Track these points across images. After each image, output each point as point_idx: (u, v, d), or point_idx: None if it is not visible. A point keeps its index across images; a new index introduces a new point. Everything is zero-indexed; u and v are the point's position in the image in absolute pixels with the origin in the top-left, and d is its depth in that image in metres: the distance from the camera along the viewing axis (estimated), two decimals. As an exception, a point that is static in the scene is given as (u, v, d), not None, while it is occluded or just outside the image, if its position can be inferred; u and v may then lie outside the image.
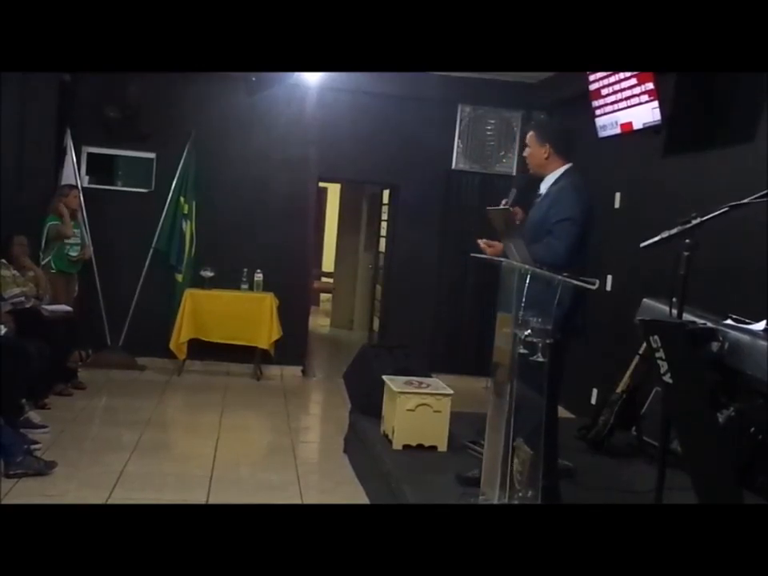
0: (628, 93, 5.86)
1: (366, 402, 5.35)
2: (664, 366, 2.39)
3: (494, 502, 3.63)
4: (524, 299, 3.48)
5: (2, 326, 5.55)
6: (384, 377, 5.03)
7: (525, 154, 4.07)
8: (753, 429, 4.03)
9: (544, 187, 3.95)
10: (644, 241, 3.02)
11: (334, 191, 12.97)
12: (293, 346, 8.22)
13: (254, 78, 7.70)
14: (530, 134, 4.01)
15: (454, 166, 8.40)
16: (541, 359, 3.50)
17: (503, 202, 3.94)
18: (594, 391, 6.57)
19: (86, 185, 7.84)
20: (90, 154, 7.96)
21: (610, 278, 6.34)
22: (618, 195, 6.46)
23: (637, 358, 5.01)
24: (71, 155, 7.63)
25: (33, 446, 4.96)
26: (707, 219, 2.68)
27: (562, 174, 3.89)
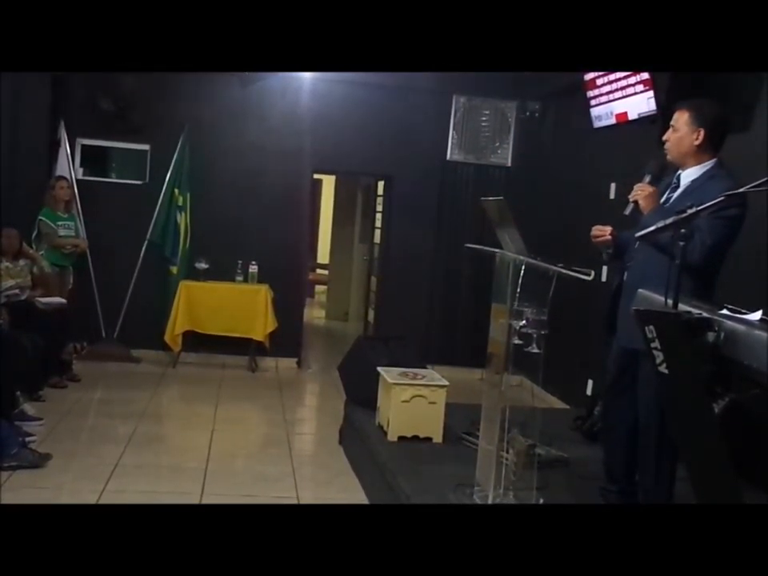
0: (623, 83, 5.86)
1: (362, 394, 5.35)
2: (659, 357, 2.38)
3: (488, 494, 3.63)
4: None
5: (-2, 319, 5.54)
6: (379, 368, 5.02)
7: (666, 137, 3.52)
8: (749, 419, 4.04)
9: (686, 180, 3.49)
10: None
11: (328, 183, 12.95)
12: (288, 337, 8.20)
13: (247, 70, 7.68)
14: (682, 113, 3.46)
15: (448, 157, 8.38)
16: (535, 350, 3.50)
17: (645, 179, 3.54)
18: (590, 382, 6.58)
19: (79, 177, 7.82)
20: (83, 146, 7.94)
21: (605, 268, 6.34)
22: (613, 186, 6.45)
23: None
24: (65, 147, 7.60)
25: (27, 439, 4.95)
26: (703, 209, 2.67)
27: (712, 167, 3.43)
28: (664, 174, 3.64)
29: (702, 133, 3.40)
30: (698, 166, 3.46)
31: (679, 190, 3.51)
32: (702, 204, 2.81)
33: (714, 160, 3.45)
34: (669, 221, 2.69)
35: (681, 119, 3.47)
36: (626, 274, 3.68)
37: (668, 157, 3.57)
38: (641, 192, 3.49)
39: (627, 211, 3.56)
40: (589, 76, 6.33)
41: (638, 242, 3.49)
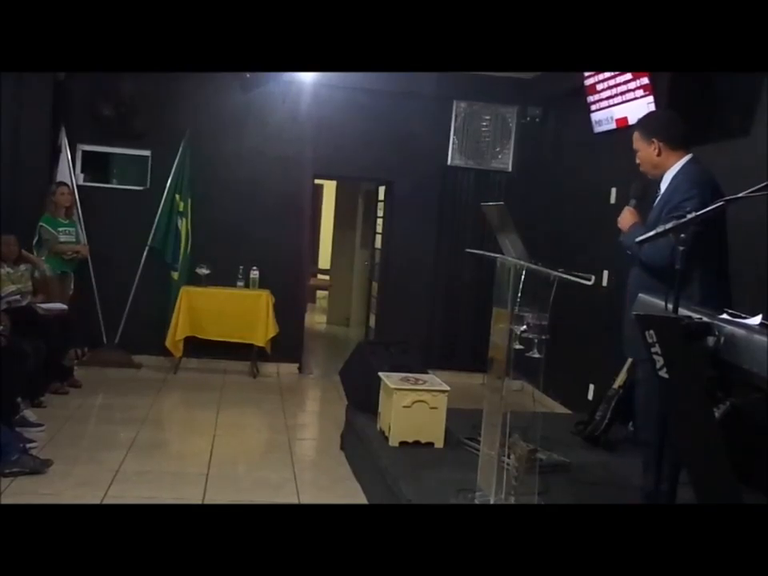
0: (623, 88, 5.87)
1: (363, 399, 5.34)
2: (660, 361, 2.38)
3: (490, 499, 3.63)
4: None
5: (-1, 325, 5.54)
6: (380, 373, 5.02)
7: (637, 159, 3.65)
8: (749, 423, 4.03)
9: (663, 187, 3.57)
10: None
11: (329, 188, 12.95)
12: (289, 343, 8.21)
13: (248, 75, 7.69)
14: (635, 134, 3.61)
15: (449, 162, 8.39)
16: (536, 355, 3.50)
17: (631, 203, 3.65)
18: (591, 387, 6.58)
19: (80, 183, 7.84)
20: (84, 152, 7.95)
21: (606, 273, 6.34)
22: (613, 190, 6.45)
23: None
24: (66, 153, 7.60)
25: (28, 445, 4.96)
26: (702, 214, 2.67)
27: (679, 170, 3.50)
28: (649, 193, 3.74)
29: (656, 142, 3.52)
30: (670, 170, 3.55)
31: (658, 198, 3.60)
32: (667, 206, 2.89)
33: (686, 158, 3.52)
34: (668, 226, 2.70)
35: (636, 140, 3.62)
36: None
37: (649, 176, 3.69)
38: (620, 217, 3.65)
39: (622, 237, 3.68)
40: (589, 81, 6.34)
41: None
